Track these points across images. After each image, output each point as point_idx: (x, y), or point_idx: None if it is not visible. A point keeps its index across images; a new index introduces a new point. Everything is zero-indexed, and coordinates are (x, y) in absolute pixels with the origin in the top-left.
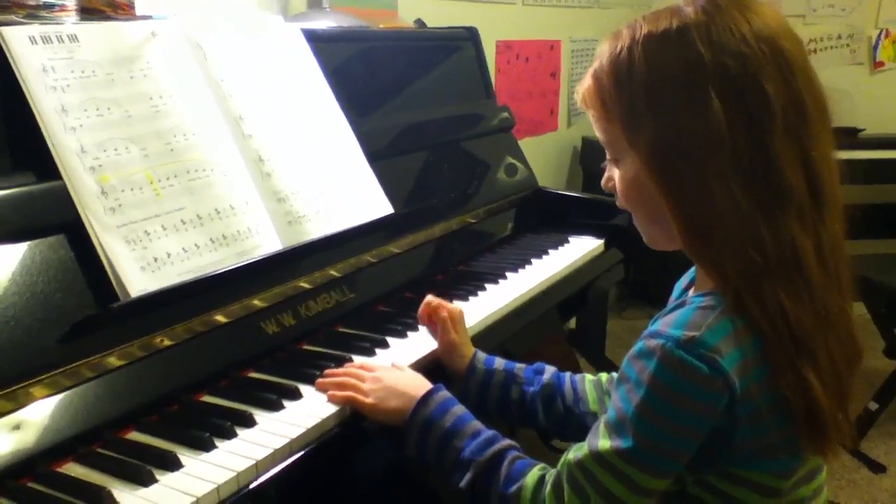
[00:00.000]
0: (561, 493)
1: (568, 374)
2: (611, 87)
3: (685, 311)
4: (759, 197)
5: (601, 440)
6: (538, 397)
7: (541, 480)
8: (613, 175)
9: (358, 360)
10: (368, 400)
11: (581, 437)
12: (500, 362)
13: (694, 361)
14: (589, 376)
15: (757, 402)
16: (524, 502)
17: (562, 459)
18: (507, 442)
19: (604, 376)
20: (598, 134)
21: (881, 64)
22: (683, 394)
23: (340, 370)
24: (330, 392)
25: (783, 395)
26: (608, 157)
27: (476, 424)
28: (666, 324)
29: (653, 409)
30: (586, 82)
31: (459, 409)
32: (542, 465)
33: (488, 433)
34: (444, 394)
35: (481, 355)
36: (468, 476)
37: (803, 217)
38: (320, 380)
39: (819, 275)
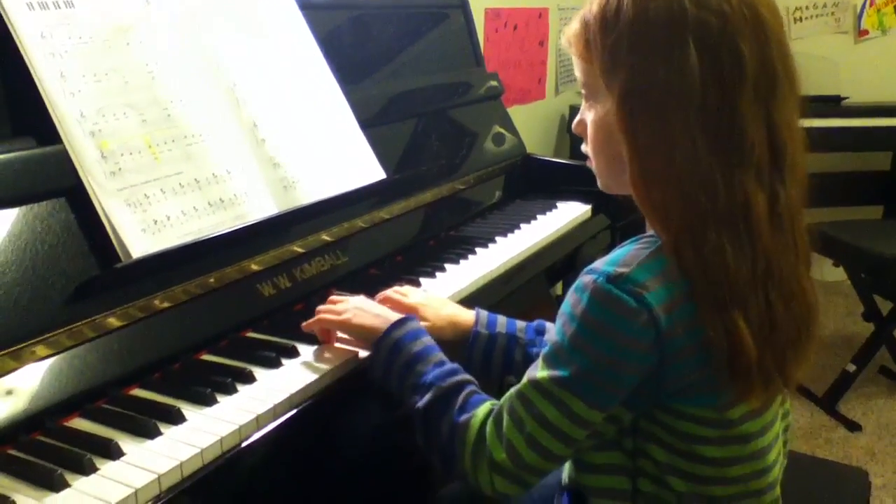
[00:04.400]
0: (500, 421)
1: None
2: (596, 30)
3: (622, 249)
4: (719, 152)
5: (539, 371)
6: None
7: (489, 413)
8: (585, 118)
9: None
10: (340, 317)
11: None
12: (501, 324)
13: (621, 295)
14: None
15: (682, 339)
16: (471, 430)
17: (506, 394)
18: (467, 376)
19: None
20: (577, 75)
21: (865, 32)
22: (612, 326)
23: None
24: (305, 323)
25: (707, 336)
26: (584, 100)
27: (442, 355)
28: (602, 261)
29: (585, 339)
30: (574, 25)
31: (428, 339)
32: (494, 401)
33: (452, 365)
34: (416, 324)
35: (483, 318)
36: (426, 398)
37: (761, 176)
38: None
39: (768, 232)
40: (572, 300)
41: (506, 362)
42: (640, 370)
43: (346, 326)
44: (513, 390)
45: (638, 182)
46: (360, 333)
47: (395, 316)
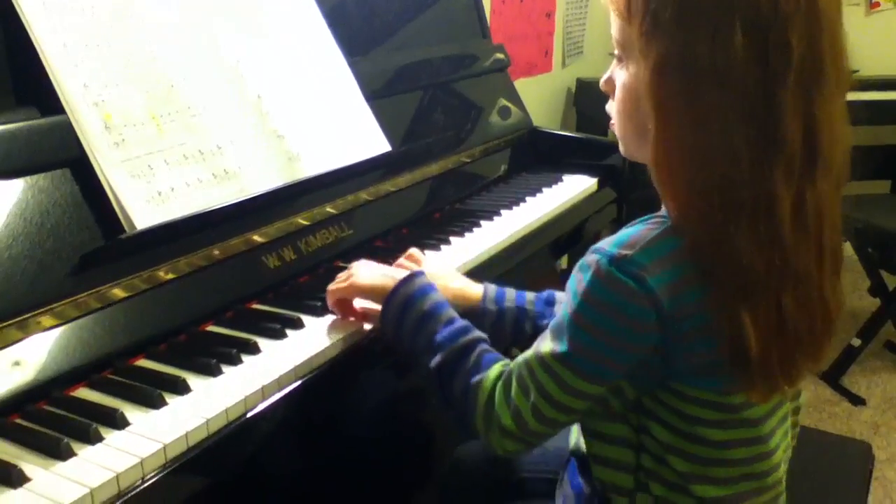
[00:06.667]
0: (510, 386)
1: None
2: None
3: (630, 229)
4: (751, 140)
5: (544, 343)
6: None
7: (500, 375)
8: (615, 77)
9: None
10: (349, 281)
11: None
12: (510, 298)
13: (622, 277)
14: None
15: (688, 322)
16: (483, 392)
17: (516, 359)
18: (478, 334)
19: None
20: (613, 32)
21: (877, 4)
22: (612, 305)
23: None
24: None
25: (713, 324)
26: (616, 58)
27: (452, 312)
28: (608, 240)
29: (585, 318)
30: None
31: (438, 295)
32: (505, 360)
33: (462, 323)
34: (425, 279)
35: (491, 293)
36: (437, 359)
37: (791, 171)
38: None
39: (791, 230)
40: (577, 278)
41: (515, 335)
42: (641, 349)
43: (354, 288)
44: (522, 356)
45: (660, 157)
46: (369, 293)
47: (402, 273)
